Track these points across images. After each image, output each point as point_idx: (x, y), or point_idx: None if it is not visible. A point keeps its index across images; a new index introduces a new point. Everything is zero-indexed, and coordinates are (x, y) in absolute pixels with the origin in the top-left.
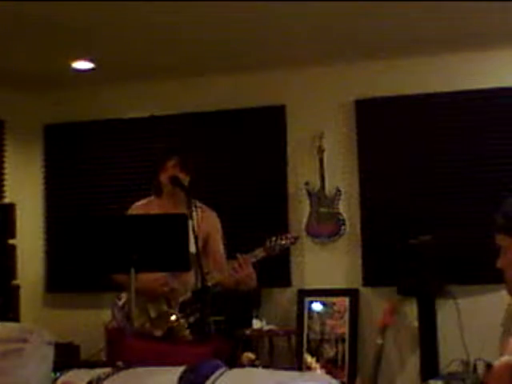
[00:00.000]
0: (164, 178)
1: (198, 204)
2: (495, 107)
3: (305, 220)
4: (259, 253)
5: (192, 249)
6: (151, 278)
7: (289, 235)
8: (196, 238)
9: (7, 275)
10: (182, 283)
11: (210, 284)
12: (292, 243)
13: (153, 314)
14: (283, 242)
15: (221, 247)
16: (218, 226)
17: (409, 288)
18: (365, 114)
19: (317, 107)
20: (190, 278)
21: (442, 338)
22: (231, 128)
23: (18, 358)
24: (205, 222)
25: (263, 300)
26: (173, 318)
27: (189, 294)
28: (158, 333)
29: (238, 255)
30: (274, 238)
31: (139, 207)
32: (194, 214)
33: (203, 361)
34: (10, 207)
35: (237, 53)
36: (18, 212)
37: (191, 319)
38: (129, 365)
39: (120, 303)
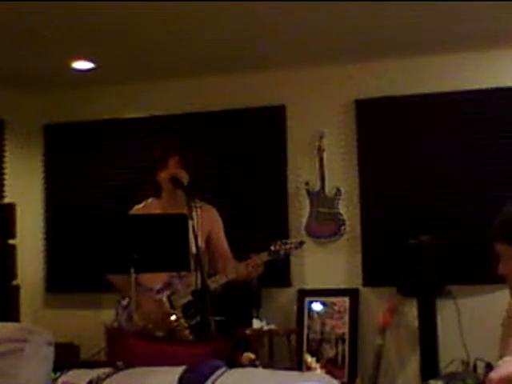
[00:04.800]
0: (164, 176)
1: (198, 203)
2: (495, 107)
3: (305, 220)
4: (264, 256)
5: (193, 249)
6: (154, 307)
7: (294, 240)
8: (196, 237)
9: (7, 275)
10: (186, 284)
11: (224, 281)
12: (297, 248)
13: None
14: (288, 247)
15: (224, 242)
16: (219, 220)
17: (409, 288)
18: (365, 113)
19: (317, 107)
20: (193, 279)
21: (442, 338)
22: (231, 128)
23: (18, 358)
24: (205, 220)
25: (263, 300)
26: (173, 318)
27: (189, 297)
28: (159, 333)
29: (252, 255)
30: (278, 243)
31: (139, 210)
32: (194, 213)
33: (203, 361)
34: (10, 207)
35: (237, 53)
36: (18, 212)
37: (193, 321)
38: (129, 365)
39: (124, 302)
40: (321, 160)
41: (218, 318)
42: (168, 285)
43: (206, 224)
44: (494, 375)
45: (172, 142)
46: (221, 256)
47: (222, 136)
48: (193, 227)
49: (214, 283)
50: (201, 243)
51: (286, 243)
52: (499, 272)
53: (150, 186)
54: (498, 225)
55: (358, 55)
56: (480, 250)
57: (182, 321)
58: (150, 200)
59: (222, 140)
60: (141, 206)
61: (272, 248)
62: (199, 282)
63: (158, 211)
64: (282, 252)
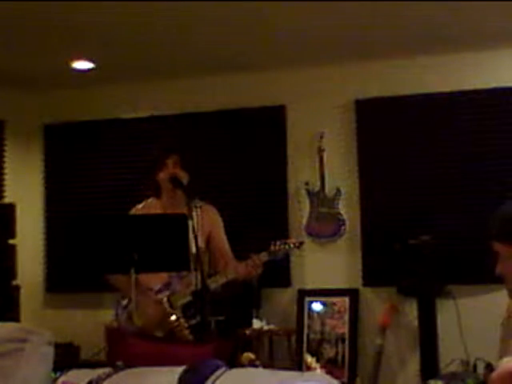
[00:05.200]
0: (163, 176)
1: (198, 203)
2: (495, 107)
3: (305, 220)
4: (263, 256)
5: (193, 249)
6: (154, 308)
7: (293, 240)
8: (196, 237)
9: (7, 275)
10: (186, 285)
11: (223, 281)
12: (297, 248)
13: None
14: (287, 247)
15: (225, 242)
16: (219, 220)
17: (409, 288)
18: (365, 113)
19: (317, 107)
20: (193, 279)
21: (442, 338)
22: (231, 128)
23: (18, 358)
24: (205, 220)
25: (263, 300)
26: (173, 317)
27: (189, 297)
28: (159, 333)
29: (252, 255)
30: (278, 243)
31: (139, 210)
32: (194, 213)
33: (203, 361)
34: (10, 207)
35: (237, 53)
36: (18, 212)
37: (193, 322)
38: (129, 365)
39: (124, 303)
40: (321, 160)
41: (218, 318)
42: (167, 285)
43: (206, 224)
44: (493, 375)
45: (171, 142)
46: (221, 256)
47: (221, 136)
48: (193, 227)
49: (214, 283)
50: (201, 243)
51: (285, 243)
52: (497, 272)
53: (150, 186)
54: (497, 224)
55: (358, 55)
56: (480, 250)
57: (182, 321)
58: (150, 200)
59: (221, 140)
60: (141, 205)
61: (272, 248)
62: (199, 282)
63: (158, 211)
64: (281, 252)
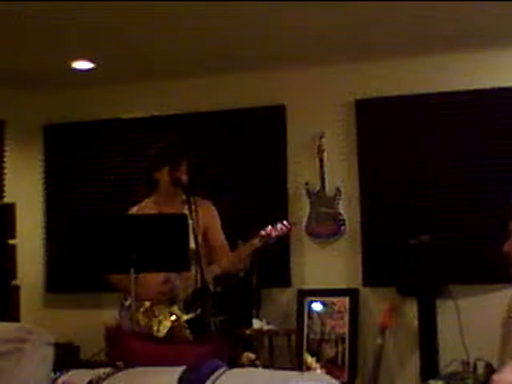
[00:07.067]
0: (168, 176)
1: (193, 198)
2: (495, 107)
3: (305, 220)
4: (256, 243)
5: (192, 245)
6: (154, 288)
7: (284, 222)
8: (196, 237)
9: (7, 275)
10: (184, 279)
11: (215, 273)
12: (288, 230)
13: (157, 314)
14: (279, 228)
15: (221, 237)
16: (216, 216)
17: (409, 288)
18: (365, 114)
19: (317, 107)
20: (192, 274)
21: (441, 338)
22: (231, 128)
23: (18, 358)
24: (202, 216)
25: (263, 300)
26: (173, 317)
27: (190, 289)
28: (160, 334)
29: (240, 243)
30: (269, 227)
31: (137, 211)
32: (188, 209)
33: (203, 361)
34: (10, 207)
35: (237, 53)
36: (18, 212)
37: (193, 315)
38: (129, 365)
39: (126, 304)
40: (321, 160)
41: (218, 318)
42: (166, 281)
43: (202, 220)
44: (495, 377)
45: (174, 141)
46: (218, 250)
47: (221, 136)
48: (193, 227)
49: (209, 274)
50: (199, 239)
51: (275, 226)
52: (505, 249)
53: (145, 182)
54: None
55: (358, 55)
56: (480, 250)
57: (182, 321)
58: (143, 203)
59: (221, 140)
60: (135, 209)
61: (263, 233)
62: (199, 280)
63: (153, 211)
64: (273, 235)
